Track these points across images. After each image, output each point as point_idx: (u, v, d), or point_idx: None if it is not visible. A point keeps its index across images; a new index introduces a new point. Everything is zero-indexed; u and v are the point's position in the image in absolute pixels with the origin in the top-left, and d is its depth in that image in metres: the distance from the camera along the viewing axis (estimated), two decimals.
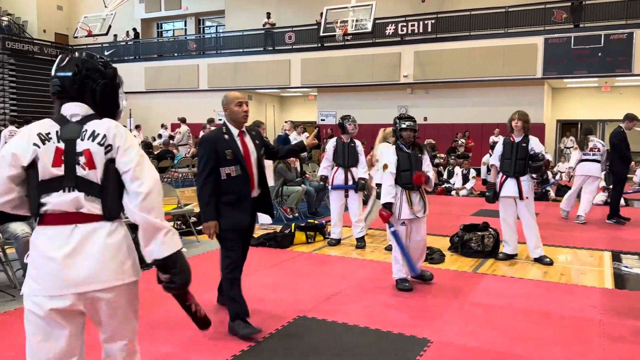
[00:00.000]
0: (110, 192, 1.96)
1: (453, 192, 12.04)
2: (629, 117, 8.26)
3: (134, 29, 25.73)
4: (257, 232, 6.82)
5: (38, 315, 1.91)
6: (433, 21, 18.29)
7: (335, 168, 6.58)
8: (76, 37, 22.67)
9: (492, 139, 15.19)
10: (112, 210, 1.97)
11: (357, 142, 6.64)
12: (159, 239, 1.96)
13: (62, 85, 2.03)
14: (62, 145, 1.94)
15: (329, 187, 6.68)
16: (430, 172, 4.85)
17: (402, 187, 4.74)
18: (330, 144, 6.64)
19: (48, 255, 1.90)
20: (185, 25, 27.48)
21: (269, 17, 21.40)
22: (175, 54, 24.18)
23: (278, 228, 6.96)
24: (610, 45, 15.77)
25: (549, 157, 5.79)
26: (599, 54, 15.93)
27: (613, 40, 15.77)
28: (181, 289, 2.04)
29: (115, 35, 24.46)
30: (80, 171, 1.93)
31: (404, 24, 18.70)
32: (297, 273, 5.38)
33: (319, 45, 20.10)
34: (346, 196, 6.63)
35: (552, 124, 19.51)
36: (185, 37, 25.42)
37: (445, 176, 12.82)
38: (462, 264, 5.75)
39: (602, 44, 15.87)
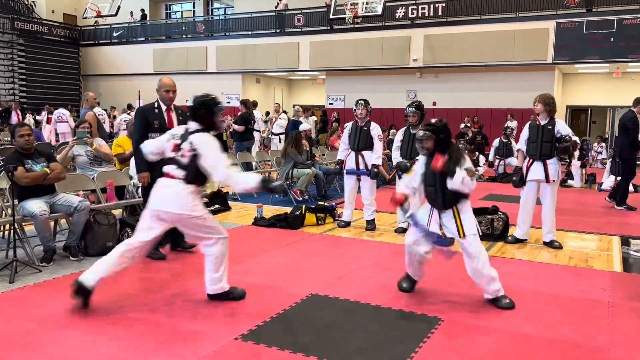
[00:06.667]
0: (190, 170, 3.71)
1: None
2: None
3: (142, 10, 25.64)
4: (268, 214, 6.90)
5: (146, 214, 3.82)
6: (444, 4, 18.11)
7: (348, 151, 6.61)
8: (85, 18, 22.63)
9: (507, 124, 15.30)
10: (190, 179, 3.72)
11: (374, 126, 6.48)
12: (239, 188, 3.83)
13: (192, 113, 3.82)
14: (178, 142, 3.77)
15: (344, 171, 6.71)
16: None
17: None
18: (347, 127, 6.66)
19: (154, 191, 3.80)
20: (194, 7, 27.36)
21: None
22: (184, 36, 24.11)
23: (288, 209, 7.02)
24: (623, 31, 15.60)
25: (576, 139, 5.75)
26: (612, 39, 15.77)
27: (626, 26, 15.60)
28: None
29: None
30: (179, 157, 3.74)
31: (414, 7, 18.54)
32: (309, 253, 5.46)
33: (328, 28, 19.99)
34: (358, 179, 6.66)
35: (562, 110, 19.41)
36: (194, 19, 25.32)
37: None
38: None
39: (615, 29, 15.70)
